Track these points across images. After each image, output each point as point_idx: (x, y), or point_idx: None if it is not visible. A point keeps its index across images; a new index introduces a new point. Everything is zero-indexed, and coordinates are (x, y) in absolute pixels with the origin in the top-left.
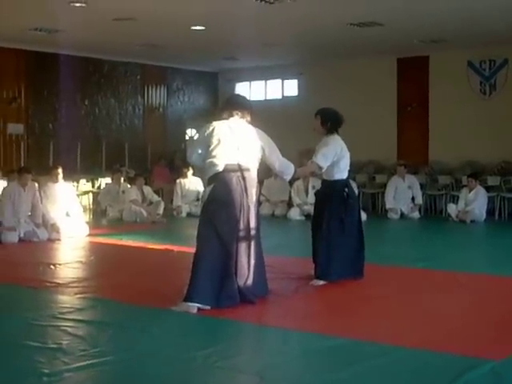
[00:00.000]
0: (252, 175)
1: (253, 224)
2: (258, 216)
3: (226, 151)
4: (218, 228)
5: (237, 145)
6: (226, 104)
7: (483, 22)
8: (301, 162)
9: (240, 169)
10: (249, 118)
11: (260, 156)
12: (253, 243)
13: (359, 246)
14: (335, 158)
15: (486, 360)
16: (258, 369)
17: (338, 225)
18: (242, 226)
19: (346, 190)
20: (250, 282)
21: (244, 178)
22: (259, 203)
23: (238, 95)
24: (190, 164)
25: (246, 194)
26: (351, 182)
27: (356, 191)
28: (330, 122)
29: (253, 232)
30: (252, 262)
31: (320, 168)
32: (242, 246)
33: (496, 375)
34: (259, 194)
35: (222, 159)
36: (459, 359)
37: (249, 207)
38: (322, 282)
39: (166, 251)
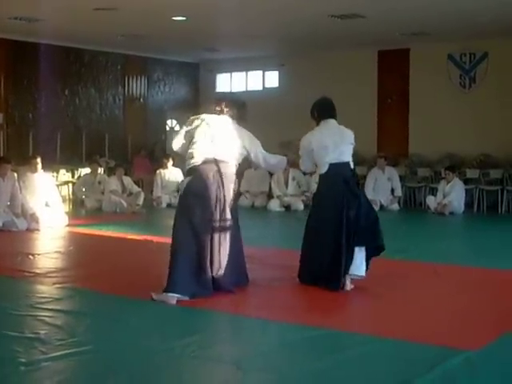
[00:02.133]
0: (229, 170)
1: (228, 216)
2: (236, 209)
3: (204, 145)
4: (193, 219)
5: (215, 139)
6: (216, 99)
7: (464, 16)
8: (282, 153)
9: (216, 163)
10: (236, 115)
11: (241, 152)
12: (228, 235)
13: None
14: (312, 154)
15: (461, 350)
16: (236, 359)
17: (312, 224)
18: (217, 218)
19: (320, 187)
20: (226, 272)
21: (221, 173)
22: (239, 195)
23: (230, 92)
24: (170, 155)
25: (223, 187)
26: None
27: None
28: (316, 111)
29: (228, 224)
30: (226, 252)
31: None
32: (217, 237)
33: (471, 365)
34: (238, 186)
35: (200, 152)
36: (435, 349)
37: (225, 200)
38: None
39: (145, 242)
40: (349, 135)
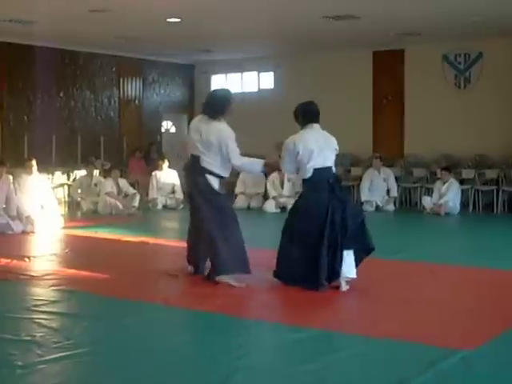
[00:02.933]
0: (198, 165)
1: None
2: (208, 206)
3: (189, 143)
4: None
5: (196, 139)
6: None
7: (458, 16)
8: (277, 154)
9: (194, 160)
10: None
11: (220, 153)
12: (201, 232)
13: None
14: (297, 157)
15: (456, 350)
16: (229, 360)
17: (297, 227)
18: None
19: (305, 191)
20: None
21: (193, 169)
22: (232, 195)
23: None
24: (165, 156)
25: (194, 183)
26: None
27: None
28: (301, 115)
29: (199, 219)
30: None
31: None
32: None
33: (466, 365)
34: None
35: (189, 150)
36: (431, 349)
37: (194, 196)
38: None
39: (141, 244)
40: (333, 141)
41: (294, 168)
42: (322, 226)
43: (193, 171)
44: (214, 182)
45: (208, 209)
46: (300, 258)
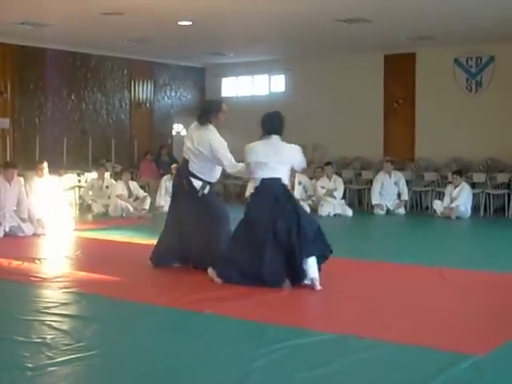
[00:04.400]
0: (186, 169)
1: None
2: (189, 203)
3: (184, 147)
4: None
5: (188, 146)
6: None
7: (470, 20)
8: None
9: (184, 163)
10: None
11: (208, 161)
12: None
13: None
14: (249, 166)
15: (468, 355)
16: (241, 364)
17: (241, 230)
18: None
19: (253, 197)
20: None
21: (181, 171)
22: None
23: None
24: (176, 160)
25: (180, 185)
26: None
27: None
28: (261, 125)
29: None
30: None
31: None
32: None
33: (477, 370)
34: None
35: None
36: (441, 354)
37: (182, 197)
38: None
39: (151, 246)
40: (285, 153)
41: (249, 174)
42: (264, 231)
43: (181, 173)
44: (197, 185)
45: (194, 208)
46: (245, 258)
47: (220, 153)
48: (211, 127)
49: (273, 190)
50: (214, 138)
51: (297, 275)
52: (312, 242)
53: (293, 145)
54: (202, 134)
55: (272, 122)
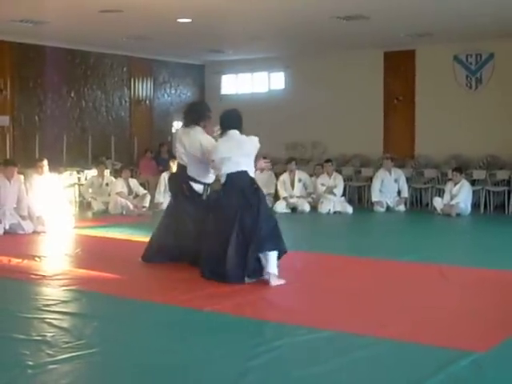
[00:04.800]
0: (184, 174)
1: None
2: (191, 205)
3: (177, 154)
4: None
5: (181, 151)
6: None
7: (469, 16)
8: (288, 154)
9: (181, 168)
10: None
11: (201, 157)
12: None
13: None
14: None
15: (467, 352)
16: (240, 361)
17: (208, 226)
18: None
19: (220, 194)
20: None
21: (179, 176)
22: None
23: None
24: (175, 157)
25: (180, 189)
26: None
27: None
28: (220, 123)
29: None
30: None
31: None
32: None
33: (477, 367)
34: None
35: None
36: (441, 351)
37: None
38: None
39: None
40: (248, 145)
41: (216, 172)
42: (230, 226)
43: (180, 178)
44: (198, 188)
45: (196, 209)
46: (212, 252)
47: (210, 152)
48: (199, 128)
49: (239, 184)
50: (203, 138)
51: (251, 268)
52: (267, 237)
53: (252, 136)
54: (191, 136)
55: (230, 119)
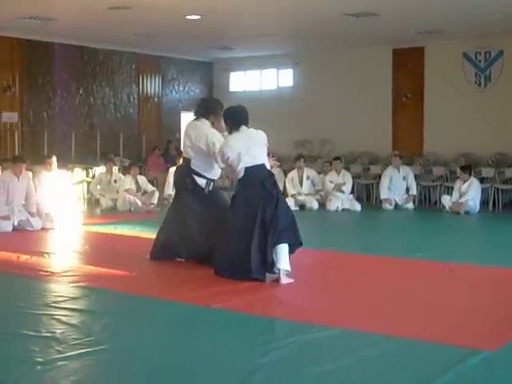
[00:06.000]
0: (188, 168)
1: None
2: (194, 200)
3: (183, 147)
4: None
5: (187, 144)
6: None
7: (478, 14)
8: (296, 152)
9: (185, 162)
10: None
11: (207, 151)
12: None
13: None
14: (228, 162)
15: (478, 350)
16: (250, 358)
17: (230, 224)
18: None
19: (238, 189)
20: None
21: (184, 170)
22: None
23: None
24: (182, 153)
25: (185, 183)
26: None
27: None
28: (228, 120)
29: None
30: None
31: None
32: None
33: (487, 365)
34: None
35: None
36: (452, 350)
37: (186, 194)
38: None
39: None
40: (259, 137)
41: (232, 172)
42: (252, 220)
43: (183, 172)
44: (201, 183)
45: (199, 205)
46: (235, 250)
47: (216, 147)
48: (207, 122)
49: (258, 176)
50: (209, 132)
51: (266, 263)
52: (284, 230)
53: (258, 130)
54: (198, 129)
55: (239, 115)
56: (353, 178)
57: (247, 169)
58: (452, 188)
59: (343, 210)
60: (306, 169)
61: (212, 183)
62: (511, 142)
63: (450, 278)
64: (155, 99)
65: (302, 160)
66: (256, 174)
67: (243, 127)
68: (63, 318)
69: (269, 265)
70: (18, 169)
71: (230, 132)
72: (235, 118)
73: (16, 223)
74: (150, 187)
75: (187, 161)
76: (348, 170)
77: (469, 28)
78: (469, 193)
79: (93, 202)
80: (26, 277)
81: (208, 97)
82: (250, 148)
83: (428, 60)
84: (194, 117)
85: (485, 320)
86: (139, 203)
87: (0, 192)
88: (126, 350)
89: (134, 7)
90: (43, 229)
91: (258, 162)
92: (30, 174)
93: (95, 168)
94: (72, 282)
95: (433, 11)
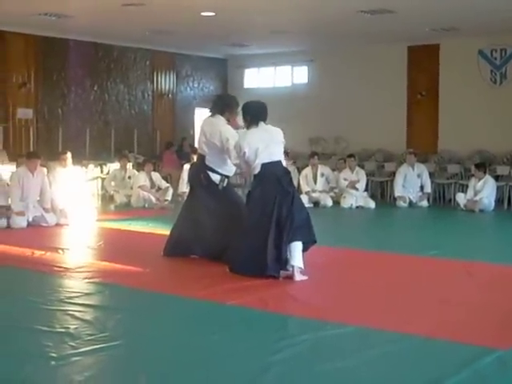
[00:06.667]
0: (202, 164)
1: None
2: (208, 196)
3: (198, 143)
4: None
5: (202, 140)
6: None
7: (494, 11)
8: (311, 149)
9: (200, 158)
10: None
11: (221, 147)
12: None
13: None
14: (244, 157)
15: (492, 349)
16: (263, 355)
17: (246, 222)
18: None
19: (254, 185)
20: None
21: (198, 166)
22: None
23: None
24: (197, 149)
25: (199, 179)
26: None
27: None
28: (249, 116)
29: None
30: None
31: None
32: None
33: (502, 364)
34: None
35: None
36: (466, 348)
37: (200, 191)
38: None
39: None
40: (276, 134)
41: (245, 167)
42: (268, 217)
43: (198, 168)
44: (215, 179)
45: (213, 201)
46: (251, 246)
47: (230, 143)
48: (222, 118)
49: (275, 173)
50: (224, 128)
51: (280, 260)
52: (299, 227)
53: (275, 127)
54: (212, 125)
55: (258, 110)
56: (367, 176)
57: (264, 165)
58: (467, 186)
59: (357, 207)
60: (320, 166)
61: (226, 180)
62: None
63: (464, 276)
64: (169, 96)
65: (316, 157)
66: (272, 170)
67: (262, 123)
68: (77, 314)
69: (283, 262)
70: (33, 165)
71: (249, 127)
72: (255, 113)
73: (30, 219)
74: (164, 184)
75: (202, 157)
76: (362, 167)
77: (484, 25)
78: (483, 191)
79: (107, 198)
80: (41, 272)
81: (223, 93)
82: (269, 145)
83: (443, 57)
84: (210, 113)
85: (499, 318)
86: (153, 200)
87: (15, 188)
88: (140, 346)
89: (147, 4)
90: (57, 225)
91: (275, 158)
92: (45, 169)
93: (109, 164)
94: (86, 278)
95: (449, 8)
